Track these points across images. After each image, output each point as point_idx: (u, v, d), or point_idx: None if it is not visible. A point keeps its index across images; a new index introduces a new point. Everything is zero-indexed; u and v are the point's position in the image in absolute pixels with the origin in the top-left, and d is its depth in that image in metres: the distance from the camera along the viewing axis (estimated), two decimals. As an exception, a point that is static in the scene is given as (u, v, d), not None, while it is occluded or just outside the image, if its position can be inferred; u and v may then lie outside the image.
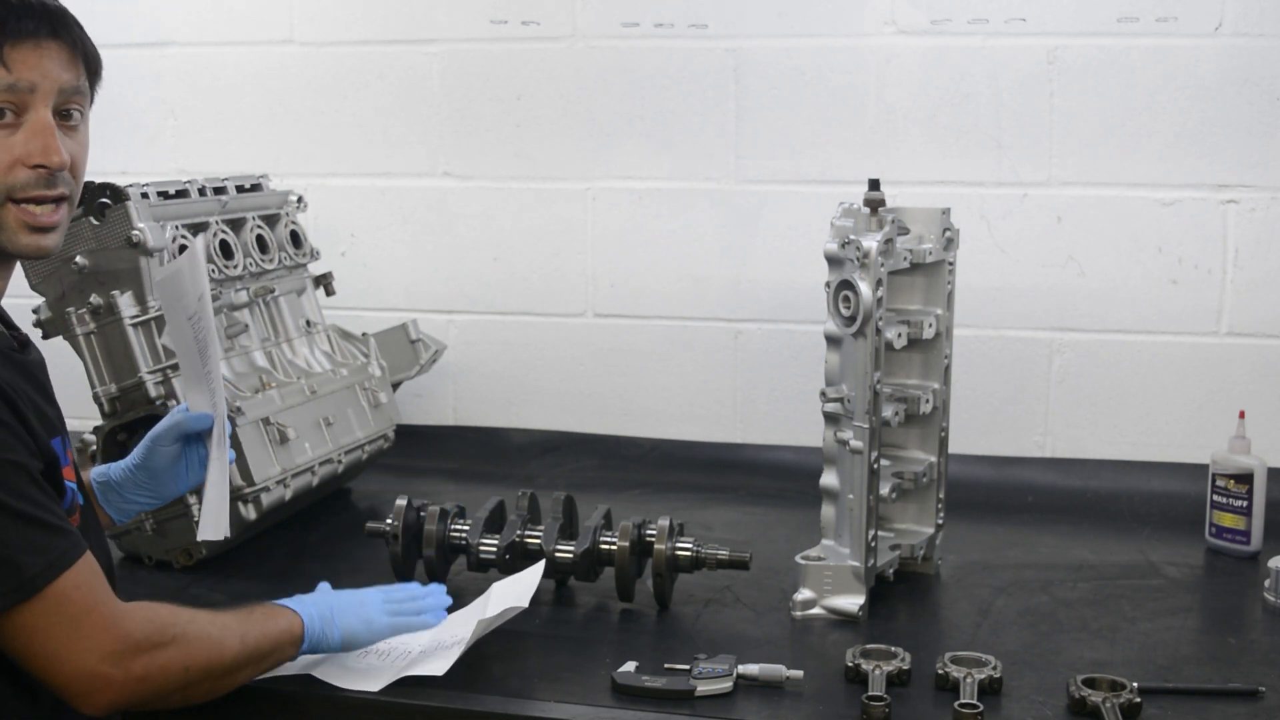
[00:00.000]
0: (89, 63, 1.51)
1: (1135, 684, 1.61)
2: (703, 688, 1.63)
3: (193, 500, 1.99)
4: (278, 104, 2.82)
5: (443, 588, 1.82)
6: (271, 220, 2.41)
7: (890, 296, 1.94)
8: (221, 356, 2.10)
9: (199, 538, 1.74)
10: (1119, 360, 2.49)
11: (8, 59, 1.41)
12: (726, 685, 1.64)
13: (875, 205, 1.87)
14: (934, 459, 2.05)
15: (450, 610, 1.83)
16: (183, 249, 2.04)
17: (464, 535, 1.98)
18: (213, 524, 1.71)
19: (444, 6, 2.71)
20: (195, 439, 1.77)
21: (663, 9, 2.61)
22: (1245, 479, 2.16)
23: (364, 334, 2.55)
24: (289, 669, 1.66)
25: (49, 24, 1.45)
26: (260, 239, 2.35)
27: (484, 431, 2.80)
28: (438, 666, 1.65)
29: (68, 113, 1.49)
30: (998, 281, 2.51)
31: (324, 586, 1.76)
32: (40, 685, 1.44)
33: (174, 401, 2.03)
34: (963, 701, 1.58)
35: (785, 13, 2.55)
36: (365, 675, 1.67)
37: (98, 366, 2.06)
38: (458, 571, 2.03)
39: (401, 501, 1.99)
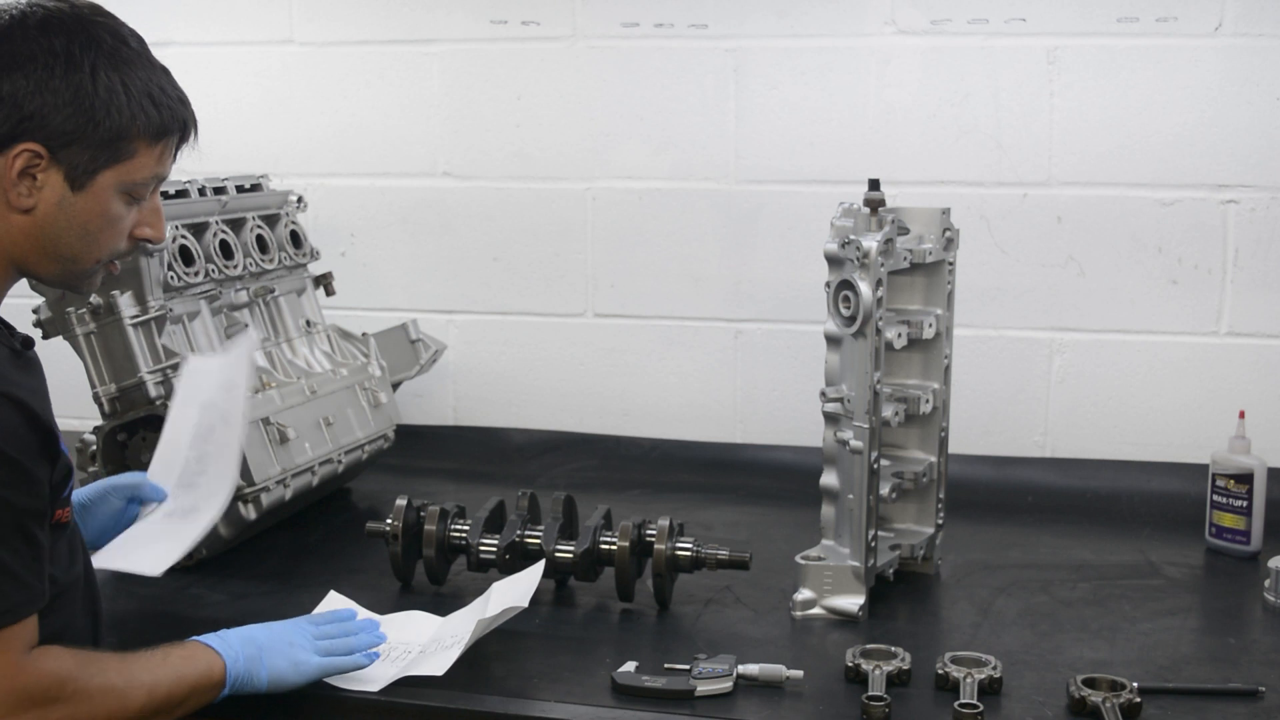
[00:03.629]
0: None
1: (1135, 684, 1.61)
2: (703, 688, 1.63)
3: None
4: (278, 104, 2.82)
5: (378, 623, 1.75)
6: (271, 220, 2.41)
7: (890, 296, 1.94)
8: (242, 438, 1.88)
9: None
10: (1119, 360, 2.49)
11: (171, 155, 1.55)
12: (726, 685, 1.64)
13: (875, 205, 1.87)
14: (934, 459, 2.05)
15: (450, 610, 1.84)
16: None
17: (464, 535, 1.98)
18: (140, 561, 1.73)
19: (444, 6, 2.71)
20: (136, 504, 1.80)
21: (663, 9, 2.60)
22: (1245, 479, 2.16)
23: (364, 334, 2.55)
24: None
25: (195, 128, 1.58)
26: (260, 239, 2.35)
27: (484, 431, 2.80)
28: (437, 666, 1.65)
29: None
30: (998, 281, 2.51)
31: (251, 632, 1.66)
32: None
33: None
34: (963, 701, 1.58)
35: (785, 13, 2.55)
36: (365, 675, 1.67)
37: (98, 366, 2.06)
38: (458, 571, 2.03)
39: (401, 501, 1.99)
